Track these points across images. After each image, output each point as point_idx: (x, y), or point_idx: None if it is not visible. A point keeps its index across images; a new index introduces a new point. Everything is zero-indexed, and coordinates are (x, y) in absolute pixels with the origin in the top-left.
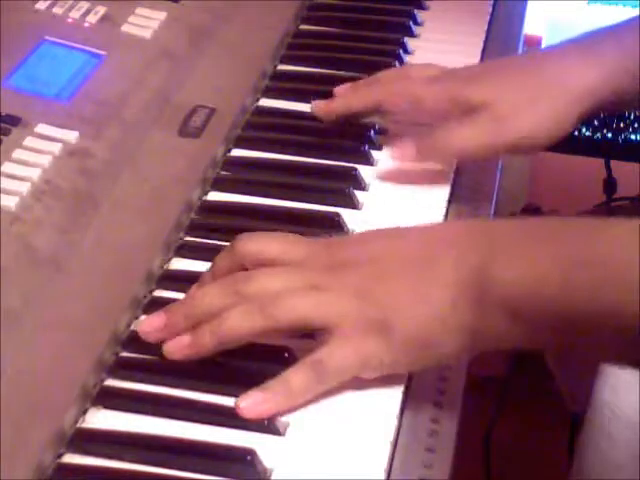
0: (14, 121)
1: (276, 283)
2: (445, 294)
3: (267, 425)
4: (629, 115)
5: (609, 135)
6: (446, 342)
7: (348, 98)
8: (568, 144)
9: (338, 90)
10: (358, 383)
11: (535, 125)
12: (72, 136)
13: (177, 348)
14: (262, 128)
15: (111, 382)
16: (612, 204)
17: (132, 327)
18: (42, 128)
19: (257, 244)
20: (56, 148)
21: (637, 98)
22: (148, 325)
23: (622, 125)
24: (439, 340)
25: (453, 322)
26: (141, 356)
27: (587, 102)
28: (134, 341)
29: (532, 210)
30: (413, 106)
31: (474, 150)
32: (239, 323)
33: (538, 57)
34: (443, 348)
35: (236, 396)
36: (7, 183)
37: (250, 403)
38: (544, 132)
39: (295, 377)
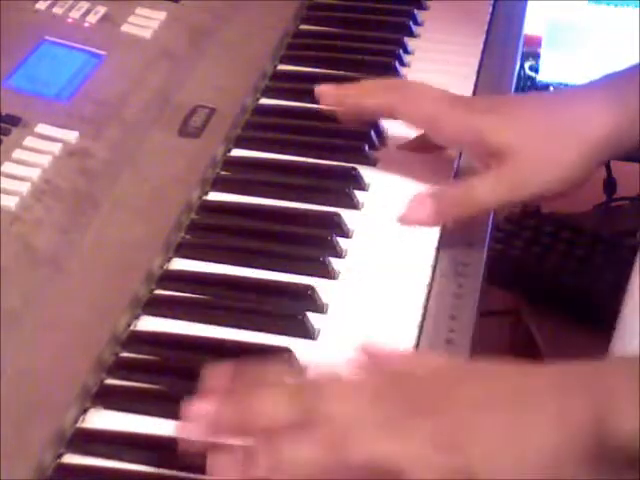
0: (14, 121)
1: (350, 411)
2: (547, 443)
3: None
4: None
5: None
6: None
7: (361, 93)
8: None
9: (339, 89)
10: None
11: (557, 179)
12: (72, 136)
13: (224, 469)
14: (262, 128)
15: (111, 382)
16: (612, 204)
17: (132, 327)
18: (42, 128)
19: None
20: (56, 148)
21: None
22: (194, 411)
23: None
24: None
25: (556, 474)
26: (141, 356)
27: (608, 151)
28: (134, 341)
29: (532, 210)
30: (428, 125)
31: (495, 205)
32: (304, 456)
33: (559, 99)
34: None
35: None
36: (7, 183)
37: None
38: (566, 184)
39: None
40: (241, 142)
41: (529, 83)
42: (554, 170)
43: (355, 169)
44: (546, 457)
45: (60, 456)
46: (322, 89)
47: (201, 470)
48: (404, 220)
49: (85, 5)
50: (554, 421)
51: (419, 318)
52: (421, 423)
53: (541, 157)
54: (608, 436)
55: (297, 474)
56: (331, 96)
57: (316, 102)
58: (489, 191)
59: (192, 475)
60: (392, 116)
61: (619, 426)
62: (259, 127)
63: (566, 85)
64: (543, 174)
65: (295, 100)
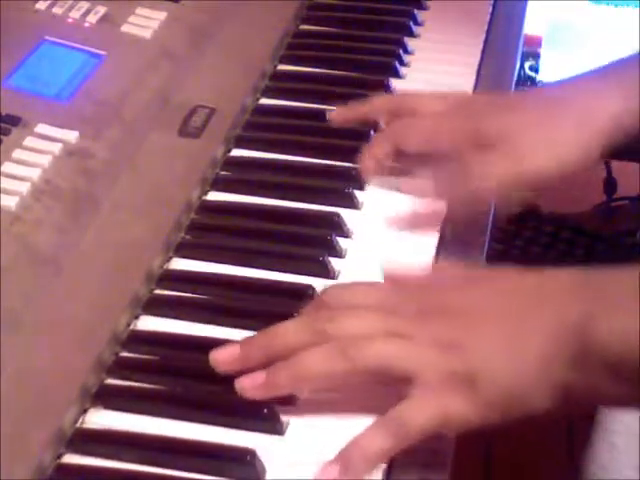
0: (14, 121)
1: (360, 326)
2: (541, 349)
3: (267, 425)
4: None
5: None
6: (537, 398)
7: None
8: None
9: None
10: (358, 384)
11: (556, 160)
12: (72, 136)
13: (251, 386)
14: (262, 128)
15: (111, 382)
16: (612, 204)
17: (132, 327)
18: (42, 128)
19: (346, 290)
20: (56, 148)
21: None
22: (221, 354)
23: None
24: (530, 396)
25: (547, 378)
26: (141, 356)
27: (612, 133)
28: (134, 341)
29: (532, 210)
30: (429, 144)
31: (490, 191)
32: (317, 364)
33: (558, 90)
34: (533, 404)
35: (236, 396)
36: (7, 183)
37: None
38: (565, 167)
39: (371, 441)
40: (241, 142)
41: (529, 83)
42: (553, 150)
43: (355, 169)
44: (538, 362)
45: (60, 456)
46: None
47: (201, 470)
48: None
49: (85, 5)
50: (548, 327)
51: None
52: (427, 327)
53: (540, 139)
54: (594, 340)
55: (313, 382)
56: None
57: (316, 102)
58: (487, 174)
59: (192, 475)
60: (397, 151)
61: (604, 330)
62: (259, 127)
63: None
64: (542, 153)
65: (295, 100)
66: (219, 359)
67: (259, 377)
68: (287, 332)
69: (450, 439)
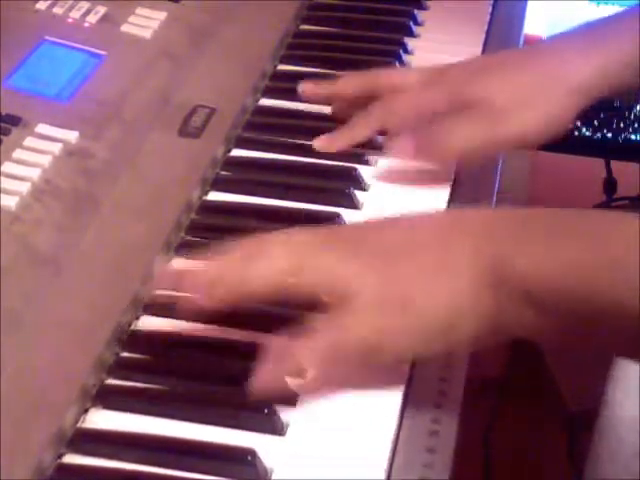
0: (14, 121)
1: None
2: (463, 279)
3: (267, 425)
4: (629, 115)
5: (609, 135)
6: (462, 326)
7: (351, 131)
8: (568, 144)
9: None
10: (359, 382)
11: (534, 120)
12: (72, 136)
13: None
14: (262, 128)
15: (111, 382)
16: (612, 204)
17: (132, 327)
18: (42, 128)
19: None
20: (56, 148)
21: (637, 88)
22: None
23: (622, 125)
24: (456, 323)
25: (470, 306)
26: (141, 356)
27: (586, 95)
28: (134, 341)
29: None
30: (415, 117)
31: (474, 149)
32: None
33: (536, 51)
34: (459, 333)
35: (236, 396)
36: (7, 183)
37: (258, 378)
38: (544, 126)
39: (307, 354)
40: (241, 142)
41: None
42: (533, 108)
43: (355, 169)
44: (462, 290)
45: (60, 456)
46: (317, 145)
47: (201, 470)
48: (390, 155)
49: (85, 5)
50: (467, 259)
51: None
52: (364, 256)
53: (518, 98)
54: (510, 272)
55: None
56: (326, 149)
57: (316, 102)
58: (466, 135)
59: (192, 475)
60: (385, 132)
61: (519, 263)
62: (259, 127)
63: None
64: (522, 111)
65: (295, 100)
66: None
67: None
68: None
69: (450, 439)
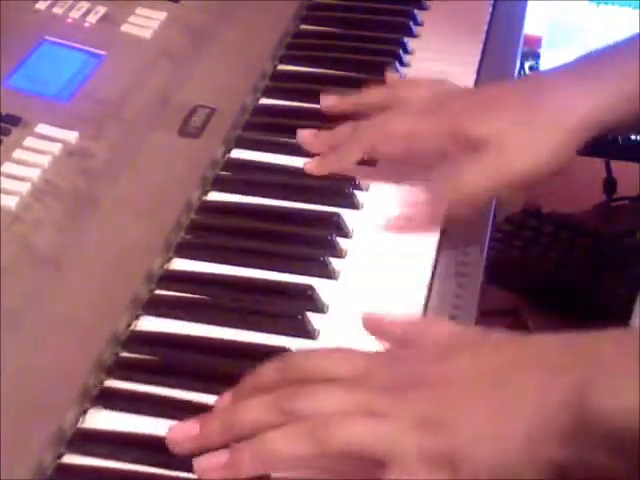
0: (14, 121)
1: (329, 403)
2: (526, 426)
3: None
4: None
5: (609, 135)
6: (526, 477)
7: (341, 153)
8: None
9: (329, 138)
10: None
11: (535, 161)
12: (72, 136)
13: (211, 466)
14: (262, 128)
15: (111, 382)
16: (612, 204)
17: (132, 327)
18: (42, 128)
19: (313, 359)
20: (56, 148)
21: (638, 121)
22: (179, 431)
23: None
24: (518, 475)
25: (533, 457)
26: (141, 356)
27: (586, 132)
28: (134, 341)
29: (532, 210)
30: (410, 145)
31: (481, 193)
32: (285, 447)
33: (535, 87)
34: None
35: None
36: (7, 183)
37: None
38: (544, 167)
39: None
40: (241, 142)
41: None
42: (538, 151)
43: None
44: (523, 440)
45: (60, 456)
46: (307, 168)
47: None
48: (402, 230)
49: (85, 5)
50: (533, 398)
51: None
52: (403, 403)
53: (523, 142)
54: (593, 411)
55: (281, 465)
56: (316, 172)
57: (316, 102)
58: (474, 180)
59: (192, 475)
60: (376, 154)
61: (605, 401)
62: (259, 127)
63: None
64: (527, 155)
65: (295, 100)
66: (176, 436)
67: (221, 458)
68: (249, 412)
69: None
